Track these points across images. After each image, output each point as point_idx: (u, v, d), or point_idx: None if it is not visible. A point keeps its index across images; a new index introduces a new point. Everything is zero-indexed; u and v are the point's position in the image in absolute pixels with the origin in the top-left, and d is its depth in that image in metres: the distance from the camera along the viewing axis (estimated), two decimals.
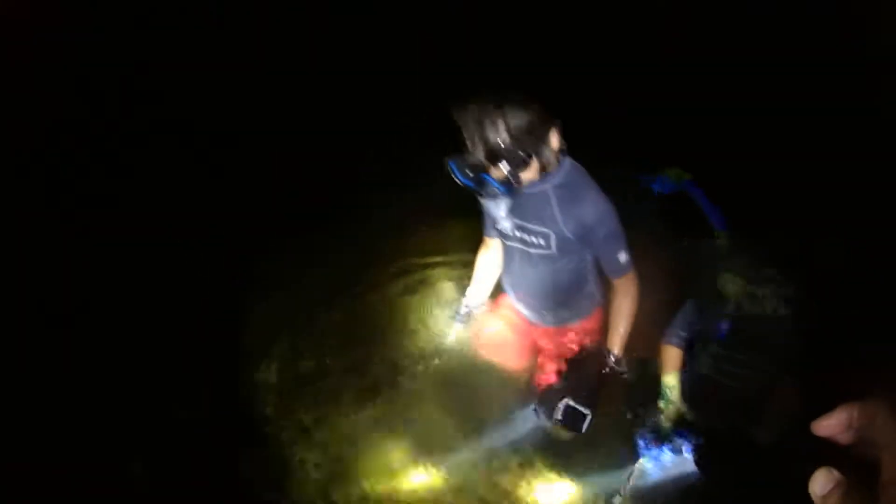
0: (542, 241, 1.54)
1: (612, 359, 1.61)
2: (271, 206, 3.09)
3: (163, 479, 1.98)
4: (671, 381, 1.85)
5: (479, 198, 1.53)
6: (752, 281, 1.59)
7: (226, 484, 1.99)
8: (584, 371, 1.63)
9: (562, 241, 1.52)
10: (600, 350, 1.65)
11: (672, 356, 1.86)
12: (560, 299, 1.70)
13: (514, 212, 1.53)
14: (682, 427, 1.81)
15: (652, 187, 1.59)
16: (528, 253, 1.60)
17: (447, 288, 2.65)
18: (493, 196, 1.43)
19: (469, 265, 1.98)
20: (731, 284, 1.60)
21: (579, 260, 1.61)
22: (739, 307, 1.66)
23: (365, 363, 2.36)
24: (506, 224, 1.57)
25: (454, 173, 1.38)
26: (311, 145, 3.32)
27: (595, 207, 1.48)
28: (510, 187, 1.40)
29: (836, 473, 0.35)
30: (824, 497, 0.35)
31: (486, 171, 1.38)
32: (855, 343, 1.73)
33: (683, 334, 1.85)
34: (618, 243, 1.53)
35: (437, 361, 2.16)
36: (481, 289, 1.92)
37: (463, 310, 1.93)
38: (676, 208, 1.96)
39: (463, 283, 2.62)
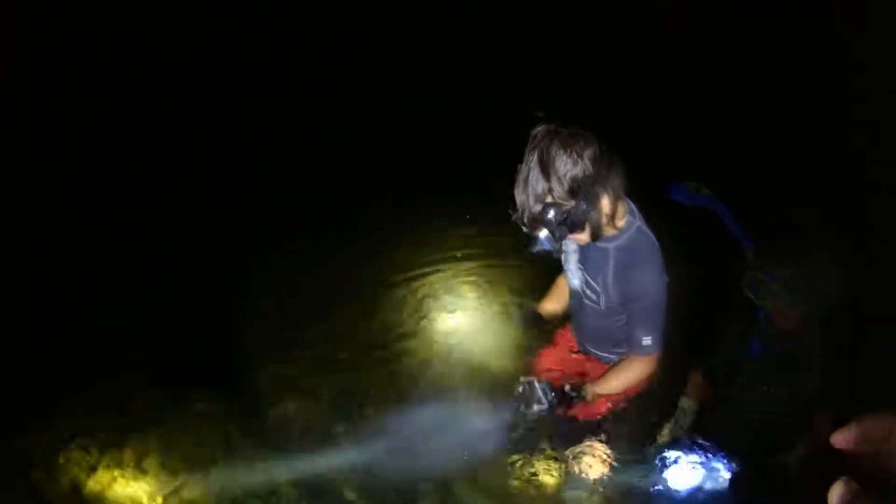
0: (594, 297, 1.55)
1: (573, 394, 1.58)
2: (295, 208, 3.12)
3: None
4: (687, 405, 1.86)
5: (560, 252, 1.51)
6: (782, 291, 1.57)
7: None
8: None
9: (609, 302, 1.52)
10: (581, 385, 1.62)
11: (696, 384, 1.87)
12: (606, 348, 1.72)
13: (580, 260, 1.53)
14: (699, 446, 1.81)
15: (673, 197, 1.58)
16: (583, 302, 1.61)
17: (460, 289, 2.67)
18: (541, 251, 1.37)
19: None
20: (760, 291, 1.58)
21: (620, 333, 1.61)
22: (769, 321, 1.66)
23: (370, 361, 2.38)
24: (572, 271, 1.58)
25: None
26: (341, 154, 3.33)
27: (644, 279, 1.43)
28: (556, 248, 1.34)
29: (854, 485, 0.35)
30: None
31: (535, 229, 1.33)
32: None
33: (715, 365, 1.85)
34: (647, 325, 1.47)
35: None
36: (551, 304, 1.89)
37: (529, 313, 1.89)
38: (702, 230, 1.92)
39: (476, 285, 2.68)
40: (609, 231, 1.40)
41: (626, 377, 1.58)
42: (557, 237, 1.31)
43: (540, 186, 1.25)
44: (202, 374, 2.30)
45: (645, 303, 1.45)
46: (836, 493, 0.36)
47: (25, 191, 2.96)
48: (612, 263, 1.45)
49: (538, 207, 1.26)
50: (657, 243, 1.44)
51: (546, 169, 1.24)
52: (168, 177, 3.25)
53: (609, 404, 1.77)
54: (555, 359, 1.91)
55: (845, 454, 0.37)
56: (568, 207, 1.27)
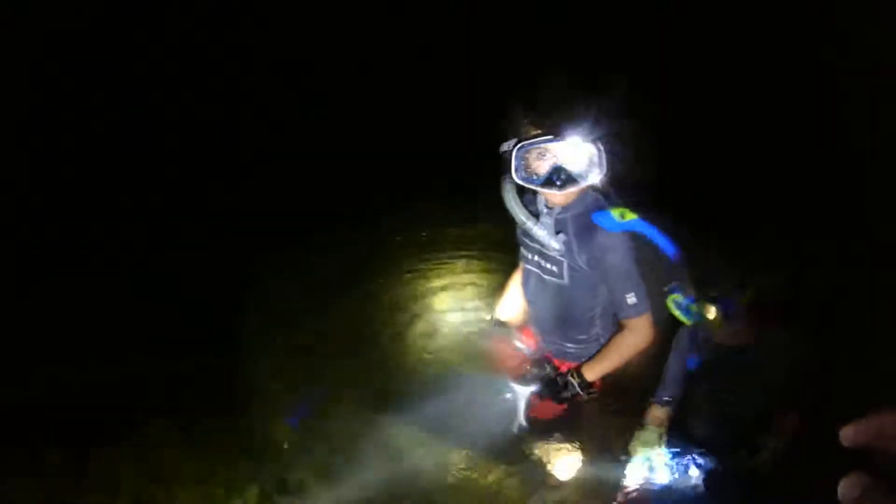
0: (555, 269, 1.55)
1: (576, 383, 1.56)
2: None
3: None
4: (649, 436, 1.81)
5: (526, 219, 1.51)
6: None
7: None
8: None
9: (574, 271, 1.52)
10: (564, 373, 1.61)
11: (657, 415, 1.81)
12: (565, 333, 1.68)
13: (550, 235, 1.52)
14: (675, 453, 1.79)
15: (596, 223, 1.53)
16: (543, 279, 1.61)
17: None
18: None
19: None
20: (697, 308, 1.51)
21: (591, 297, 1.59)
22: (707, 339, 1.65)
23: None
24: (534, 246, 1.57)
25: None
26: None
27: (609, 238, 1.46)
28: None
29: (866, 478, 0.35)
30: (855, 500, 0.35)
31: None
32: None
33: (668, 396, 1.79)
34: (627, 282, 1.49)
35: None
36: (510, 307, 1.88)
37: (495, 321, 1.89)
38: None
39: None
40: (570, 198, 1.47)
41: (620, 346, 1.54)
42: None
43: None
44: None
45: (616, 259, 1.47)
46: (847, 486, 0.36)
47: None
48: (572, 228, 1.49)
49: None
50: None
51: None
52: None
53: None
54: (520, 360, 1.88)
55: (855, 449, 0.37)
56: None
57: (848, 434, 0.38)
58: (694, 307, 1.44)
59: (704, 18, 3.66)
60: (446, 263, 2.97)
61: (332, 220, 3.06)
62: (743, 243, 1.62)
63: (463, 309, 2.68)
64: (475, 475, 1.99)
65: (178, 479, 1.97)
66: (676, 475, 1.75)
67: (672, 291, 1.45)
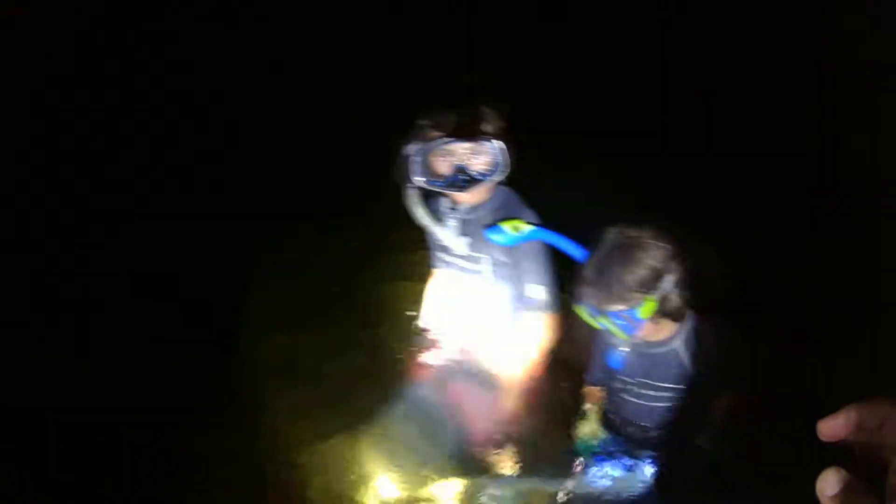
0: (476, 266, 1.54)
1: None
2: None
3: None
4: (587, 417, 1.77)
5: (432, 223, 1.51)
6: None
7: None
8: None
9: (495, 265, 1.51)
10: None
11: (591, 392, 1.77)
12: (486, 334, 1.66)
13: (461, 231, 1.53)
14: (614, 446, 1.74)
15: (492, 242, 1.50)
16: (464, 277, 1.60)
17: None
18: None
19: None
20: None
21: (512, 293, 1.57)
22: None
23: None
24: (456, 244, 1.54)
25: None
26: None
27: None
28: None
29: (845, 473, 0.35)
30: (833, 497, 0.35)
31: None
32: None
33: (597, 375, 1.75)
34: (532, 274, 1.48)
35: None
36: (433, 315, 1.89)
37: (418, 330, 1.90)
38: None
39: None
40: (480, 197, 1.48)
41: (520, 347, 1.52)
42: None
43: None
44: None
45: (526, 250, 1.47)
46: (826, 481, 0.35)
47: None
48: (490, 221, 1.49)
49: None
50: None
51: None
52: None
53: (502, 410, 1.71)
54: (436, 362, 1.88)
55: (834, 443, 0.36)
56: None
57: (826, 428, 0.37)
58: (599, 318, 1.38)
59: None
60: None
61: (328, 216, 3.05)
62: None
63: None
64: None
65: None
66: (618, 469, 1.71)
67: (579, 301, 1.38)
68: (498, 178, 1.40)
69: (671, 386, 1.51)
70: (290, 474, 1.97)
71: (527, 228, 1.46)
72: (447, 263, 1.63)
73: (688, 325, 1.48)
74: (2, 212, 2.81)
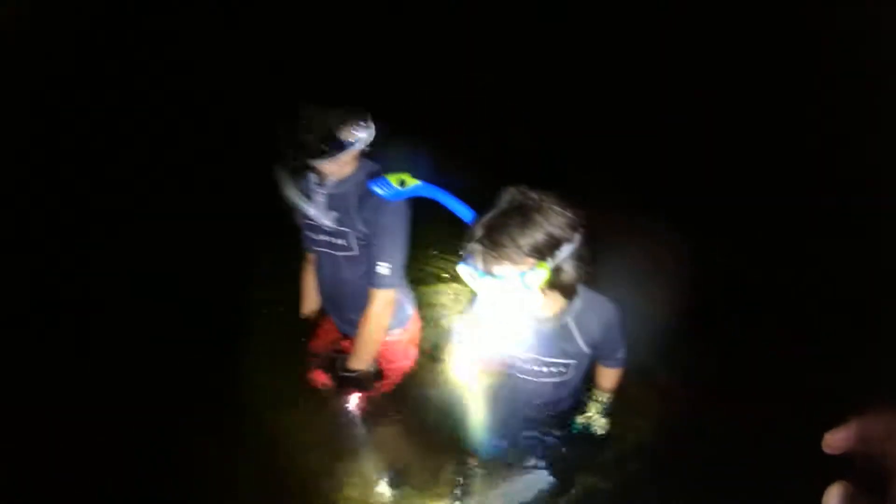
0: (343, 242, 1.56)
1: (350, 376, 1.61)
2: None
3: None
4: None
5: (301, 200, 1.53)
6: None
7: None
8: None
9: (360, 240, 1.54)
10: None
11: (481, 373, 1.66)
12: (362, 310, 1.62)
13: (328, 206, 1.55)
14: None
15: (372, 190, 1.48)
16: (335, 256, 1.61)
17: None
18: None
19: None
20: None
21: (367, 268, 1.59)
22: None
23: None
24: (324, 218, 1.56)
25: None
26: None
27: (385, 204, 1.47)
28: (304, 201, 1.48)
29: (851, 487, 0.35)
30: None
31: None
32: None
33: (486, 354, 1.62)
34: (387, 249, 1.49)
35: None
36: (308, 304, 1.92)
37: (302, 317, 1.94)
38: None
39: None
40: (346, 171, 1.50)
41: (368, 329, 1.55)
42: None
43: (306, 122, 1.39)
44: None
45: (385, 221, 1.48)
46: (833, 495, 0.35)
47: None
48: (354, 198, 1.51)
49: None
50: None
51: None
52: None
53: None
54: (321, 348, 1.90)
55: (839, 456, 0.36)
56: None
57: (832, 440, 0.37)
58: (482, 280, 1.21)
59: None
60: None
61: None
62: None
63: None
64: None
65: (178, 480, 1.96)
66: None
67: (465, 260, 1.24)
68: (362, 144, 1.43)
69: (563, 361, 1.42)
70: (291, 475, 1.98)
71: (412, 183, 1.42)
72: (315, 242, 1.64)
73: (579, 302, 1.37)
74: (2, 212, 2.80)
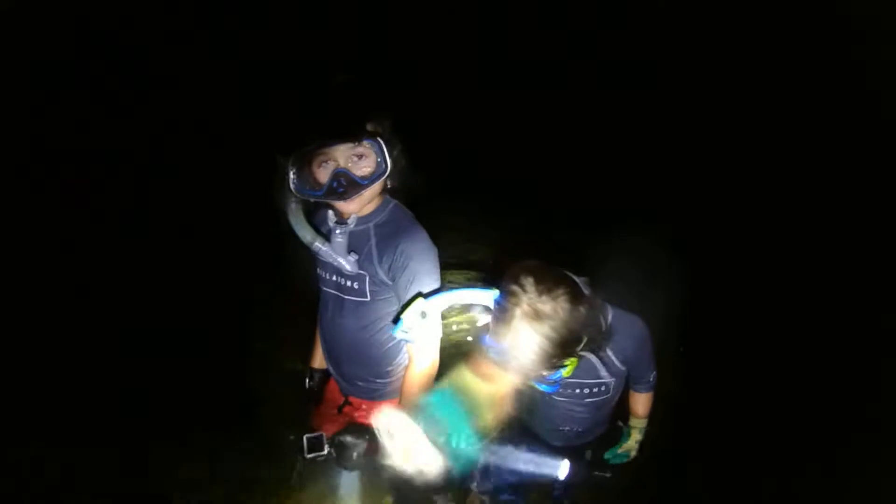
0: (355, 285, 1.40)
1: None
2: None
3: None
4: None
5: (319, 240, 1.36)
6: None
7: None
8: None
9: (375, 285, 1.39)
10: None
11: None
12: (368, 366, 1.49)
13: (342, 254, 1.38)
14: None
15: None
16: (342, 300, 1.45)
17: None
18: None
19: None
20: None
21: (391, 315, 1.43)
22: None
23: None
24: (343, 262, 1.38)
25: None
26: None
27: (411, 242, 1.34)
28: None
29: None
30: None
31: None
32: None
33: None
34: (416, 296, 1.32)
35: None
36: (319, 357, 1.68)
37: (310, 372, 1.71)
38: None
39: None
40: (367, 209, 1.36)
41: (407, 384, 1.38)
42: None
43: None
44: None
45: (413, 265, 1.33)
46: None
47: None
48: (374, 239, 1.37)
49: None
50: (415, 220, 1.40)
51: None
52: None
53: None
54: (326, 415, 1.65)
55: None
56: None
57: None
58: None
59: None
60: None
61: None
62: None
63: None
64: None
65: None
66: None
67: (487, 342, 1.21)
68: (381, 179, 1.27)
69: (604, 381, 1.49)
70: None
71: (428, 305, 1.28)
72: (323, 281, 1.48)
73: (610, 329, 1.39)
74: (1, 212, 2.80)
